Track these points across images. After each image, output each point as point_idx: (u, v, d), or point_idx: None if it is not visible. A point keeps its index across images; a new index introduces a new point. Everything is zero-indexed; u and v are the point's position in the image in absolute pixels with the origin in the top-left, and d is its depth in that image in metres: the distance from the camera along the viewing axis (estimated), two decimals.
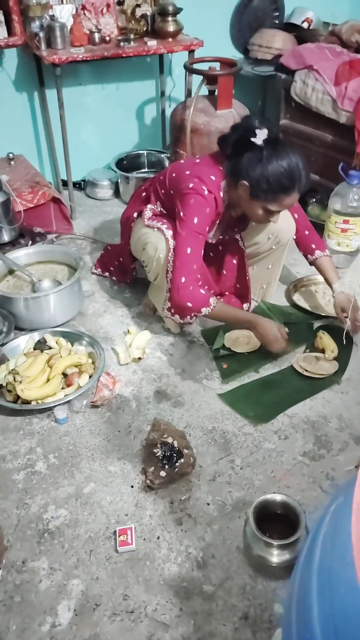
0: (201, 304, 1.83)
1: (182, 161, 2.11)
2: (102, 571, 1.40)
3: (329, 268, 2.09)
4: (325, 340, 2.04)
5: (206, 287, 2.06)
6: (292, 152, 1.73)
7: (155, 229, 1.97)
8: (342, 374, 1.97)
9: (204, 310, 1.84)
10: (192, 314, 1.87)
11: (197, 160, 1.93)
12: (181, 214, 1.83)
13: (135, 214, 2.11)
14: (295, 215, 2.09)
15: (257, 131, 1.71)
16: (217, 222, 1.96)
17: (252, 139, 1.71)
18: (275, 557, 1.38)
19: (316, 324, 2.19)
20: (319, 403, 1.87)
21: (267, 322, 1.94)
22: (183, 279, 1.81)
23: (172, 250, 1.89)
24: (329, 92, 2.51)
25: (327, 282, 2.10)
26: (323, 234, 2.54)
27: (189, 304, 1.83)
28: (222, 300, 1.90)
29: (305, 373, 1.95)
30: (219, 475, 1.63)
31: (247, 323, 1.94)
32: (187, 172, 1.86)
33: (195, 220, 1.81)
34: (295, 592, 0.65)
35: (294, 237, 2.11)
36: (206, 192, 1.80)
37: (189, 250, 1.82)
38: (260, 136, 1.71)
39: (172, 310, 1.97)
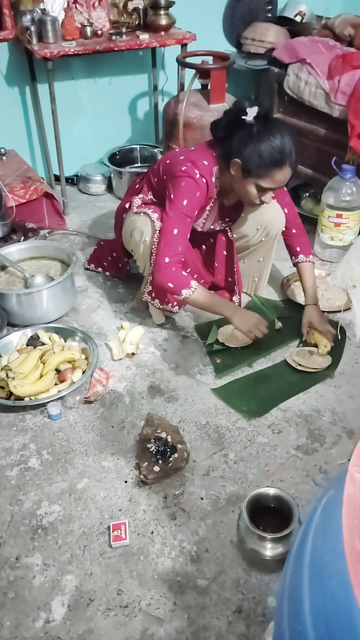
0: (182, 285, 1.82)
1: (176, 149, 2.12)
2: (96, 566, 1.40)
3: (309, 276, 2.10)
4: (317, 335, 2.04)
5: (194, 275, 2.07)
6: (283, 128, 1.75)
7: (142, 214, 1.98)
8: (335, 368, 1.97)
9: (184, 293, 1.82)
10: (173, 296, 1.86)
11: (192, 148, 1.93)
12: (171, 195, 1.83)
13: (127, 205, 2.11)
14: (286, 210, 2.09)
15: (248, 109, 1.72)
16: (209, 209, 1.96)
17: (243, 117, 1.72)
18: (269, 550, 1.38)
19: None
20: (312, 397, 1.87)
21: (247, 313, 1.93)
22: (167, 259, 1.81)
23: (157, 231, 1.90)
24: (322, 86, 2.50)
25: (303, 288, 2.13)
26: (316, 228, 2.54)
27: (170, 285, 1.82)
28: (200, 287, 1.87)
29: (298, 367, 1.96)
30: (213, 469, 1.63)
31: (227, 311, 1.90)
32: (181, 157, 1.87)
33: (185, 202, 1.81)
34: (287, 584, 0.65)
35: (283, 229, 2.11)
36: (198, 176, 1.81)
37: (175, 232, 1.82)
38: (251, 113, 1.72)
39: (153, 294, 1.97)
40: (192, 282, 1.83)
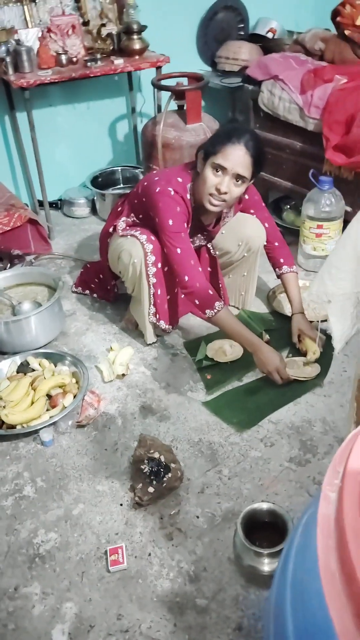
0: (206, 305, 1.87)
1: (154, 171, 2.16)
2: (94, 592, 1.40)
3: (293, 286, 2.14)
4: (308, 342, 2.06)
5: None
6: (246, 126, 1.85)
7: (129, 236, 2.01)
8: (325, 377, 1.99)
9: (208, 313, 1.87)
10: (201, 314, 1.90)
11: (167, 170, 1.98)
12: (156, 219, 1.88)
13: (111, 229, 2.13)
14: (266, 225, 2.13)
15: None
16: (188, 223, 1.98)
17: None
18: (266, 565, 1.38)
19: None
20: (302, 408, 1.89)
21: (271, 351, 1.91)
22: (186, 278, 1.86)
23: (149, 253, 1.94)
24: (296, 101, 2.55)
25: (289, 299, 2.16)
26: (299, 239, 2.58)
27: (196, 302, 1.87)
28: (225, 308, 1.91)
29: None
30: (207, 487, 1.64)
31: (250, 346, 1.91)
32: (156, 178, 1.91)
33: (170, 222, 1.85)
34: (272, 604, 0.66)
35: (265, 243, 2.14)
36: (172, 193, 1.85)
37: (178, 251, 1.87)
38: None
39: (158, 316, 2.00)
40: (216, 303, 1.87)
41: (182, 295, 2.06)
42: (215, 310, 1.86)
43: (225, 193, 1.79)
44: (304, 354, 2.05)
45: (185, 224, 1.91)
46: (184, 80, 2.77)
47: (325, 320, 2.15)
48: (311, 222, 2.46)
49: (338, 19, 2.63)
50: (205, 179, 1.80)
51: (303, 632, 0.56)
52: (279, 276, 2.19)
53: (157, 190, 1.85)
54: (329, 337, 2.07)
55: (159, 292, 2.03)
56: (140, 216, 2.03)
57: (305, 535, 0.64)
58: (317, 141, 2.47)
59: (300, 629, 0.57)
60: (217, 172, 1.78)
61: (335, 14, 2.66)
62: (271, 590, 0.73)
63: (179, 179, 1.88)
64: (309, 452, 1.73)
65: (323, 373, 2.00)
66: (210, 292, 1.88)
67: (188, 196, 1.89)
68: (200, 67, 3.39)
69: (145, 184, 1.95)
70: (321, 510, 0.60)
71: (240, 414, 1.87)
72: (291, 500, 1.58)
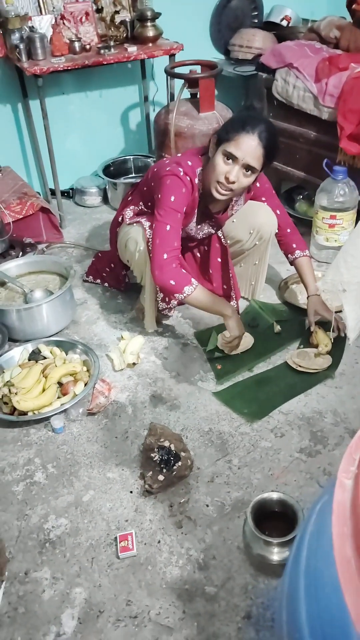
0: (184, 282, 1.81)
1: (163, 159, 2.16)
2: (104, 578, 1.41)
3: (307, 269, 2.12)
4: (320, 335, 2.05)
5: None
6: (261, 115, 1.82)
7: (135, 224, 2.01)
8: (336, 368, 1.98)
9: (187, 290, 1.81)
10: (174, 295, 1.84)
11: (179, 155, 1.97)
12: (159, 195, 1.86)
13: (120, 219, 2.13)
14: (277, 212, 2.11)
15: None
16: (195, 208, 1.98)
17: None
18: (276, 555, 1.39)
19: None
20: (313, 399, 1.88)
21: (240, 322, 1.95)
22: (165, 255, 1.81)
23: (150, 238, 1.92)
24: (310, 89, 2.52)
25: (303, 282, 2.14)
26: (311, 230, 2.56)
27: (172, 282, 1.81)
28: (200, 285, 1.86)
29: (298, 368, 1.97)
30: (217, 476, 1.64)
31: (226, 310, 1.89)
32: (167, 162, 1.91)
33: (172, 198, 1.83)
34: (285, 592, 0.66)
35: (276, 231, 2.13)
36: (182, 173, 1.83)
37: (168, 228, 1.83)
38: None
39: (167, 298, 2.02)
40: (192, 279, 1.84)
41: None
42: (194, 286, 1.81)
43: (234, 182, 1.78)
44: (316, 347, 2.04)
45: (185, 207, 1.88)
46: (197, 68, 2.74)
47: (340, 312, 2.15)
48: (324, 213, 2.43)
49: (354, 6, 2.59)
50: (215, 165, 1.78)
51: (317, 618, 0.56)
52: (292, 262, 2.16)
53: (167, 169, 1.85)
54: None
55: None
56: (149, 204, 2.02)
57: (320, 523, 0.64)
58: (332, 130, 2.45)
59: (314, 616, 0.56)
60: (228, 160, 1.76)
61: (350, 1, 2.62)
62: (283, 578, 0.73)
63: (189, 162, 1.87)
64: (319, 443, 1.72)
65: (334, 364, 1.99)
66: (184, 271, 1.84)
67: (197, 180, 1.87)
68: (213, 55, 3.35)
69: (156, 170, 1.94)
70: (337, 497, 0.59)
71: (251, 404, 1.86)
72: (301, 491, 1.58)
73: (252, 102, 3.25)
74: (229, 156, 1.75)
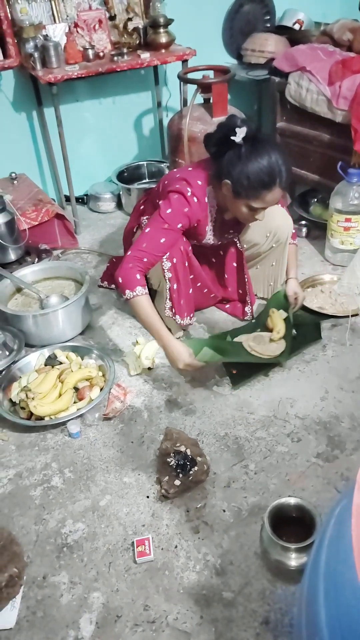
0: (128, 285, 1.80)
1: (175, 169, 2.16)
2: (121, 583, 1.41)
3: (292, 256, 2.21)
4: (275, 318, 2.10)
5: (204, 290, 2.15)
6: (272, 148, 1.74)
7: None
8: (287, 356, 2.01)
9: (127, 294, 1.80)
10: (122, 292, 1.84)
11: (190, 168, 1.97)
12: (159, 202, 1.89)
13: (135, 229, 2.15)
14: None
15: (237, 129, 1.73)
16: (211, 227, 1.99)
17: (232, 137, 1.73)
18: (293, 560, 1.37)
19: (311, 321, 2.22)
20: (330, 403, 1.87)
21: (180, 346, 1.80)
22: (129, 252, 1.86)
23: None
24: (324, 92, 2.51)
25: (288, 264, 2.22)
26: (326, 233, 2.55)
27: (119, 279, 1.83)
28: (145, 296, 1.82)
29: (252, 352, 2.01)
30: (234, 481, 1.63)
31: (159, 340, 1.83)
32: (178, 176, 1.91)
33: (168, 210, 1.85)
34: (304, 596, 0.65)
35: (293, 231, 2.12)
36: (189, 194, 1.84)
37: (147, 230, 1.87)
38: (240, 134, 1.72)
39: (174, 310, 2.02)
40: (138, 288, 1.80)
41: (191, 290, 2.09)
42: (134, 294, 1.79)
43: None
44: (271, 330, 2.09)
45: (188, 225, 1.89)
46: (210, 74, 2.75)
47: (356, 315, 2.15)
48: (339, 216, 2.42)
49: None
50: (239, 211, 1.84)
51: (337, 621, 0.55)
52: None
53: (176, 186, 1.86)
54: (317, 325, 2.14)
55: (174, 287, 2.02)
56: None
57: (339, 527, 0.63)
58: (346, 133, 2.43)
59: (333, 619, 0.56)
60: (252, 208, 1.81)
61: None
62: (302, 582, 0.73)
63: (199, 182, 1.87)
64: (336, 448, 1.71)
65: (286, 352, 2.02)
66: (138, 277, 1.82)
67: (206, 199, 1.89)
68: (226, 59, 3.36)
69: (167, 182, 1.95)
70: (356, 500, 0.59)
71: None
72: (318, 496, 1.56)
73: (260, 110, 3.25)
74: (256, 209, 1.81)
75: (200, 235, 2.00)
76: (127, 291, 1.80)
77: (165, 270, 1.97)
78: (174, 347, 1.80)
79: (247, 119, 1.85)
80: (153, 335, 1.87)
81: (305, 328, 2.16)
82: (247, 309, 2.24)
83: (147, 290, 1.83)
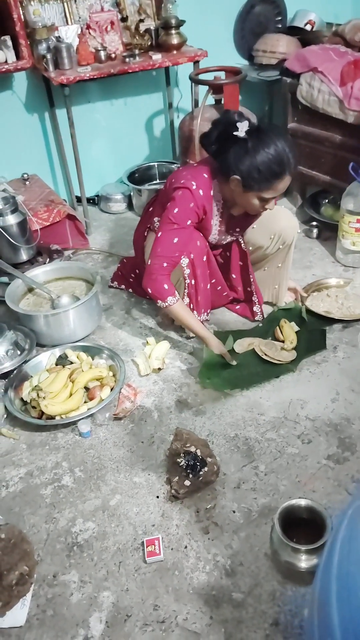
0: (159, 296, 1.91)
1: (180, 167, 2.17)
2: (131, 582, 1.41)
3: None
4: (287, 329, 2.10)
5: (218, 287, 2.18)
6: (277, 137, 1.75)
7: None
8: (298, 364, 2.01)
9: (160, 304, 1.93)
10: (157, 302, 1.94)
11: (194, 164, 1.98)
12: (168, 204, 1.90)
13: (146, 231, 2.16)
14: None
15: (239, 124, 1.73)
16: (218, 222, 2.00)
17: (235, 133, 1.73)
18: (304, 562, 1.37)
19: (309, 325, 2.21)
20: (341, 405, 1.86)
21: (218, 341, 2.02)
22: (149, 262, 1.91)
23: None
24: (335, 93, 2.51)
25: None
26: (337, 234, 2.54)
27: (149, 291, 1.92)
28: (178, 303, 1.94)
29: (264, 357, 2.02)
30: (244, 482, 1.63)
31: (198, 336, 2.04)
32: (183, 172, 1.93)
33: (176, 210, 1.86)
34: (316, 597, 0.65)
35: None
36: (194, 187, 1.85)
37: (159, 234, 1.91)
38: (242, 128, 1.73)
39: (192, 306, 2.08)
40: (169, 298, 1.91)
41: (207, 287, 2.12)
42: (166, 304, 1.91)
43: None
44: (282, 341, 2.10)
45: (197, 219, 1.91)
46: (222, 75, 2.75)
47: (358, 320, 2.14)
48: (351, 217, 2.41)
49: None
50: (249, 204, 1.85)
51: (349, 622, 0.55)
52: None
53: (181, 182, 1.87)
54: (323, 333, 2.13)
55: (192, 283, 2.03)
56: None
57: (351, 528, 0.63)
58: (357, 134, 2.43)
59: (346, 620, 0.56)
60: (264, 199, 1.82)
61: None
62: (314, 584, 0.72)
63: (205, 175, 1.88)
64: (347, 450, 1.70)
65: (297, 360, 2.02)
66: (166, 286, 1.90)
67: (212, 192, 1.90)
68: (237, 60, 3.36)
69: (173, 180, 1.96)
70: None
71: (214, 377, 1.95)
72: (329, 498, 1.56)
73: (270, 111, 3.24)
74: (267, 199, 1.82)
75: (206, 231, 2.00)
76: (159, 302, 1.93)
77: (184, 267, 1.98)
78: (214, 340, 2.02)
79: (241, 112, 1.84)
80: (196, 335, 2.04)
81: (311, 333, 2.15)
82: (255, 308, 2.24)
83: (177, 297, 1.94)
